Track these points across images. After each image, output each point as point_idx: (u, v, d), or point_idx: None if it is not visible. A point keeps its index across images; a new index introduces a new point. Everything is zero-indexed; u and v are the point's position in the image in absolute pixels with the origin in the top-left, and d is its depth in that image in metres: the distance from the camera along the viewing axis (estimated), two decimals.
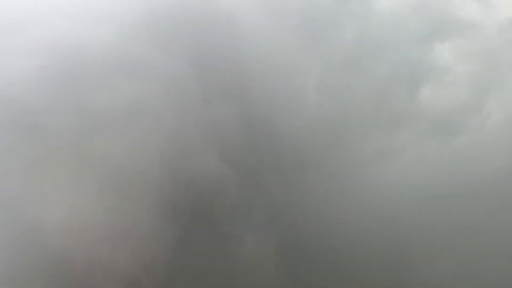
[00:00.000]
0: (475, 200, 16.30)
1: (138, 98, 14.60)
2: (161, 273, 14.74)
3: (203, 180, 15.92)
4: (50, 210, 13.56)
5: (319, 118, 16.97)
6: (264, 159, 16.45)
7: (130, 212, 13.55)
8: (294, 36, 18.42)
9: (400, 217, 14.94)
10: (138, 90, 14.68)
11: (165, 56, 15.57)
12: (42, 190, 13.40)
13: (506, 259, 14.76)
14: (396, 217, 14.93)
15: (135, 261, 13.68)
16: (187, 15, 15.92)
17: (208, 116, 16.07)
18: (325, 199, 15.40)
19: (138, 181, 14.85)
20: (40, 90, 12.92)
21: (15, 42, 13.26)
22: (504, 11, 20.59)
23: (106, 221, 13.27)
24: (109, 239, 12.59)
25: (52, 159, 13.95)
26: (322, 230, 15.30)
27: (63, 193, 13.90)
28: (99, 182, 13.78)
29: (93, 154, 14.11)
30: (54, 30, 13.74)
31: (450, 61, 20.95)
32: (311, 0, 19.25)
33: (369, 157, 15.88)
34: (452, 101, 19.96)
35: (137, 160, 14.41)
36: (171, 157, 15.16)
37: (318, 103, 17.21)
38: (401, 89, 18.70)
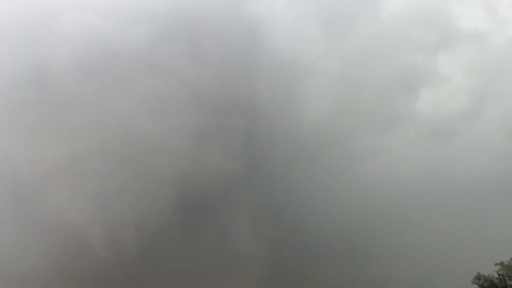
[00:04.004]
0: (459, 201, 17.57)
1: (162, 96, 16.27)
2: (155, 252, 16.46)
3: (211, 179, 17.75)
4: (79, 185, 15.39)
5: (321, 118, 18.64)
6: (267, 163, 18.27)
7: (141, 190, 15.53)
8: (311, 44, 19.93)
9: (390, 210, 16.44)
10: (162, 89, 16.35)
11: (191, 61, 17.13)
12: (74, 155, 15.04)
13: (477, 258, 16.21)
14: (386, 208, 16.40)
15: (130, 229, 15.55)
16: (215, 22, 17.03)
17: (220, 122, 17.56)
18: (321, 190, 17.07)
19: (156, 167, 16.62)
20: (70, 77, 14.76)
21: (49, 31, 15.00)
22: None
23: (120, 194, 15.29)
24: (117, 212, 14.47)
25: (81, 134, 15.68)
26: (313, 224, 17.04)
27: (83, 168, 15.76)
28: (119, 158, 15.67)
29: (118, 135, 16.11)
30: (84, 25, 15.54)
31: (452, 70, 22.14)
32: (329, 8, 20.65)
33: (364, 154, 17.47)
34: (448, 107, 21.20)
35: (158, 149, 16.28)
36: (187, 152, 16.87)
37: (320, 104, 18.87)
38: (401, 93, 20.08)
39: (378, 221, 15.82)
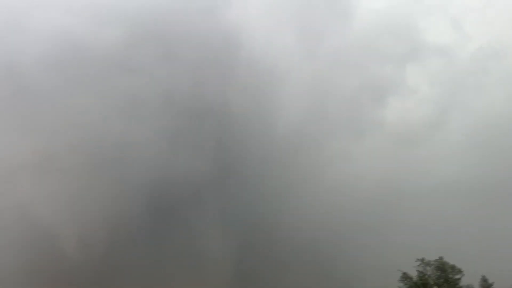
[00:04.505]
0: (423, 207, 18.45)
1: (135, 98, 16.66)
2: (123, 254, 16.78)
3: (182, 182, 18.18)
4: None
5: (292, 124, 19.19)
6: (238, 168, 18.75)
7: (111, 191, 15.72)
8: (285, 53, 20.51)
9: (356, 215, 17.21)
10: (135, 91, 16.74)
11: (165, 64, 17.63)
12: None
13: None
14: (352, 213, 17.17)
15: (100, 229, 15.74)
16: (191, 26, 17.76)
17: (193, 126, 18.28)
18: (291, 195, 17.66)
19: (127, 169, 17.01)
20: (42, 75, 14.83)
21: (20, 27, 15.04)
22: (478, 40, 22.89)
23: (90, 195, 15.40)
24: (87, 212, 14.59)
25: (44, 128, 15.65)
26: (282, 229, 17.63)
27: (57, 162, 15.83)
28: (90, 159, 15.85)
29: (89, 136, 16.19)
30: (57, 23, 15.60)
31: (419, 81, 23.13)
32: (302, 19, 21.33)
33: (333, 160, 18.09)
34: (414, 117, 22.06)
35: (130, 150, 16.59)
36: (159, 155, 17.27)
37: (292, 111, 19.43)
38: (369, 102, 20.85)
39: (343, 227, 16.40)
